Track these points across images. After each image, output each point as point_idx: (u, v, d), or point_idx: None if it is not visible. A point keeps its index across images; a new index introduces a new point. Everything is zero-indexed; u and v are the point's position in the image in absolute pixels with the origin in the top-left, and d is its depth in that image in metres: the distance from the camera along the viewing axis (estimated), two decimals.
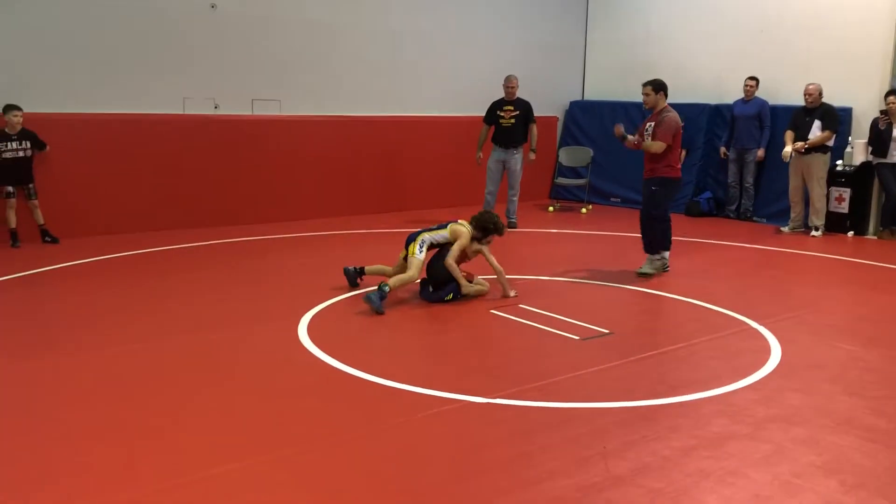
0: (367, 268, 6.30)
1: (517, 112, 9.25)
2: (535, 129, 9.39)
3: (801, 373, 4.54)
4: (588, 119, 11.95)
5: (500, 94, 9.43)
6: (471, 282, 6.02)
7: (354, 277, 6.24)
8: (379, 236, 8.72)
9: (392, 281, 5.72)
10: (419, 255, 5.86)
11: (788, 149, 9.11)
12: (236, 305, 5.77)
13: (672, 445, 3.53)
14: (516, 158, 9.31)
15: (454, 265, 5.86)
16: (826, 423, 3.83)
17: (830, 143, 9.05)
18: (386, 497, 3.06)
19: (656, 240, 6.97)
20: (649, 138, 6.85)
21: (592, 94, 12.31)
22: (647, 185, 6.94)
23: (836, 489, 3.17)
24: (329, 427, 3.69)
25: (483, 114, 9.50)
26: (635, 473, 3.26)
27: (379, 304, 5.49)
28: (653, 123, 6.87)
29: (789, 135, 9.23)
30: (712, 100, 10.81)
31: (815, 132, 9.01)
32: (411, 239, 6.00)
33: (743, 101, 10.12)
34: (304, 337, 4.97)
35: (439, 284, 5.92)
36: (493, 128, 9.37)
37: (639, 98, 11.33)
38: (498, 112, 9.30)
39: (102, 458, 3.32)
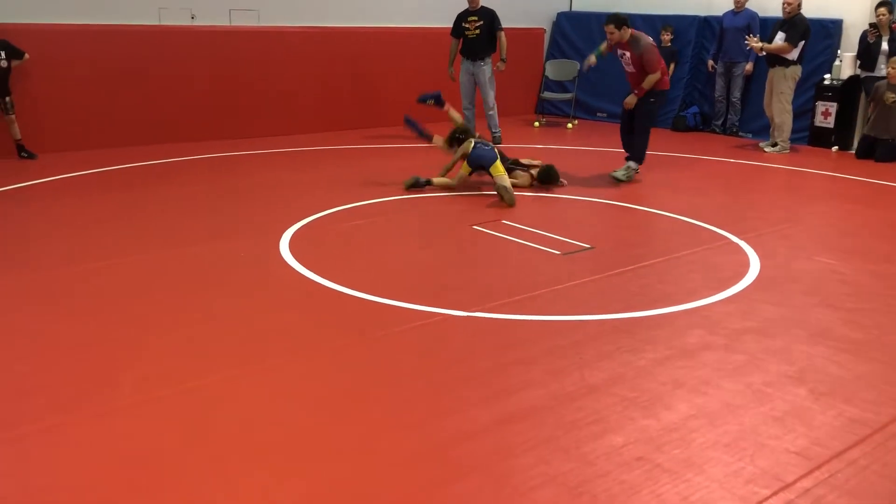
0: (434, 180, 6.83)
1: (481, 22, 8.98)
2: (503, 37, 9.10)
3: (778, 286, 4.59)
4: (576, 31, 11.68)
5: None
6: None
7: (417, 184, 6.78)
8: (353, 152, 8.62)
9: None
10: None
11: (758, 44, 8.85)
12: (214, 221, 5.73)
13: (647, 356, 3.59)
14: (484, 70, 9.09)
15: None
16: (800, 334, 3.90)
17: (791, 56, 8.67)
18: (365, 407, 3.11)
19: (637, 150, 7.22)
20: (629, 67, 7.05)
21: (581, 5, 12.02)
22: (644, 99, 7.04)
23: (806, 397, 3.24)
24: (309, 340, 3.72)
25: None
26: (609, 383, 3.32)
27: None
28: (627, 53, 7.00)
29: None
30: (702, 11, 10.58)
31: (777, 43, 8.74)
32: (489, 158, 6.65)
33: (733, 13, 9.88)
34: (285, 252, 4.96)
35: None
36: (461, 40, 9.16)
37: (630, 10, 11.18)
38: (463, 24, 9.04)
39: (83, 370, 3.35)
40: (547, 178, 6.95)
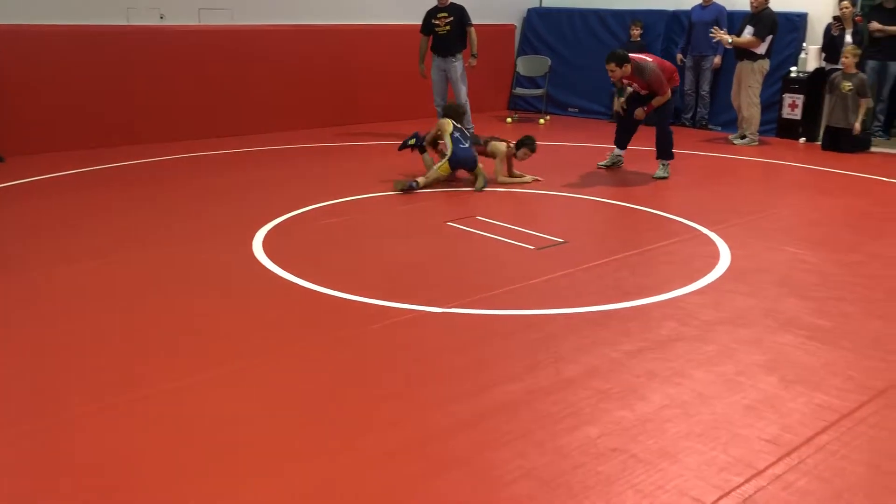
0: (420, 180, 6.76)
1: (451, 18, 8.99)
2: (473, 32, 9.10)
3: (748, 276, 4.66)
4: (547, 27, 11.75)
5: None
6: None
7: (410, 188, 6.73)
8: (329, 149, 8.61)
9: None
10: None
11: (726, 37, 8.96)
12: (187, 221, 5.70)
13: (621, 349, 3.64)
14: (455, 67, 9.09)
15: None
16: (770, 324, 3.96)
17: (759, 50, 8.79)
18: (342, 404, 3.12)
19: (665, 147, 7.35)
20: (641, 91, 7.21)
21: (550, 1, 12.08)
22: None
23: (776, 385, 3.30)
24: (286, 339, 3.72)
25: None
26: (584, 376, 3.36)
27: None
28: (635, 84, 7.16)
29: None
30: (670, 5, 10.68)
31: (746, 37, 8.83)
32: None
33: (701, 7, 9.99)
34: (258, 252, 4.95)
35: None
36: (431, 38, 9.17)
37: (599, 5, 11.27)
38: (432, 21, 9.05)
39: (57, 375, 3.32)
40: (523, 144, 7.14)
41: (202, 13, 8.94)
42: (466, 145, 6.88)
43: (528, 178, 7.12)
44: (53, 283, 4.43)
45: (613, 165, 7.68)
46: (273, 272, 4.60)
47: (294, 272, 4.57)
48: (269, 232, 5.38)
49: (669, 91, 7.13)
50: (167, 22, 8.70)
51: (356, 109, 10.22)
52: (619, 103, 7.48)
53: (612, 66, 6.96)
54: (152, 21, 8.61)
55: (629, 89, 7.48)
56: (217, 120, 9.09)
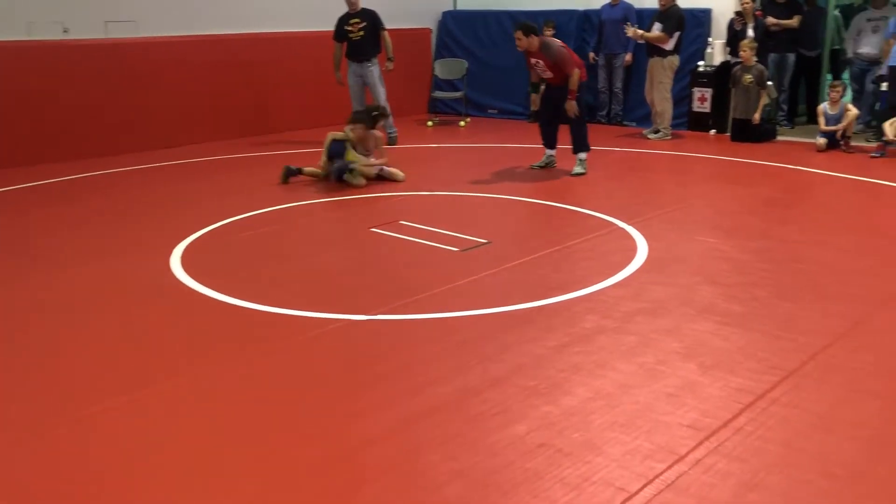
0: (304, 169, 7.21)
1: (364, 23, 8.99)
2: (387, 36, 9.13)
3: (665, 267, 4.80)
4: (462, 30, 11.83)
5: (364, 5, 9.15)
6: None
7: (289, 175, 7.11)
8: (244, 160, 8.49)
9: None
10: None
11: (637, 31, 9.23)
12: (100, 240, 5.53)
13: (546, 344, 3.70)
14: (372, 71, 9.10)
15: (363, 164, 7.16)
16: (687, 312, 4.09)
17: (668, 46, 9.05)
18: (268, 419, 3.09)
19: (581, 141, 7.46)
20: (546, 73, 7.29)
21: (465, 4, 12.17)
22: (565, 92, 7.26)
23: (695, 371, 3.42)
24: (209, 356, 3.66)
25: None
26: (511, 374, 3.40)
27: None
28: (541, 61, 7.22)
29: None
30: (581, 5, 10.90)
31: (655, 32, 9.10)
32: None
33: (610, 6, 10.22)
34: (176, 268, 4.85)
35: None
36: (345, 44, 9.15)
37: (512, 6, 11.41)
38: (345, 27, 9.03)
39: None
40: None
41: (109, 26, 8.69)
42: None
43: (400, 174, 7.25)
44: None
45: (547, 166, 7.75)
46: (192, 288, 4.51)
47: (214, 287, 4.48)
48: (187, 248, 5.27)
49: (577, 70, 7.17)
50: (72, 36, 8.42)
51: (269, 119, 10.09)
52: (535, 101, 7.58)
53: (518, 34, 7.14)
54: (55, 35, 8.32)
55: (542, 87, 7.59)
56: (126, 135, 8.81)
